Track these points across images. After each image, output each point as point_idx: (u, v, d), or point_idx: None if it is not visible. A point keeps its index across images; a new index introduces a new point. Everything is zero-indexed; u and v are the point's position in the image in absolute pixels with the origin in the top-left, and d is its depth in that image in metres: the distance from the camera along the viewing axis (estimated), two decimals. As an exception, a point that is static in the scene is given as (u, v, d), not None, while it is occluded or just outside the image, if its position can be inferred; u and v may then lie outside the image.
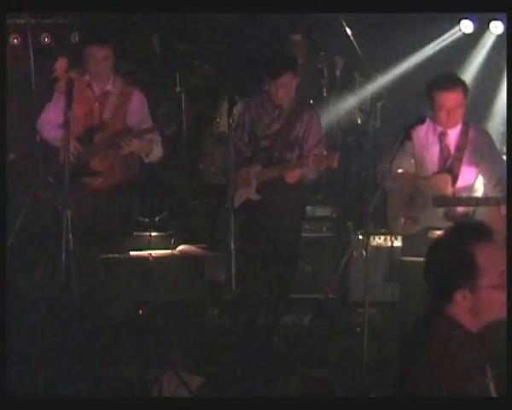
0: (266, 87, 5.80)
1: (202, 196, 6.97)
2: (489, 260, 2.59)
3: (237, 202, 5.60)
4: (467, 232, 2.66)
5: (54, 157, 5.74)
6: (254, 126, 5.86)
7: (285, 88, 5.68)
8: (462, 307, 2.61)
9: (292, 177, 5.63)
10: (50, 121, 5.79)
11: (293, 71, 5.72)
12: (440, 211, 5.31)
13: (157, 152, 5.79)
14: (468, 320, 2.64)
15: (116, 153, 5.64)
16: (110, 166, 5.73)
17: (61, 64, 5.98)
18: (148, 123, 5.82)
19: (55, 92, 5.79)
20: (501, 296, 2.59)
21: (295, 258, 5.93)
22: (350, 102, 7.77)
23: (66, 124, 5.13)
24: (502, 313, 2.62)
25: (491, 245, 2.63)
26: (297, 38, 8.00)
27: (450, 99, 5.27)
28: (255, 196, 5.74)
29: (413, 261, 5.16)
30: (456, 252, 2.62)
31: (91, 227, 5.57)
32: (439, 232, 5.18)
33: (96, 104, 5.71)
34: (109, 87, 5.75)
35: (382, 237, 6.20)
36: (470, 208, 5.35)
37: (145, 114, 5.87)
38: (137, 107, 5.82)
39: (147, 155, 5.72)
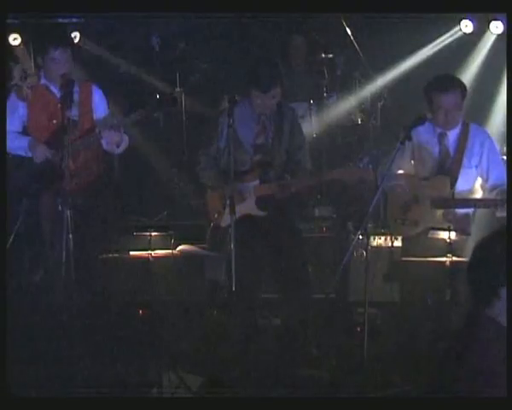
0: (251, 95, 5.53)
1: (202, 196, 6.97)
2: None
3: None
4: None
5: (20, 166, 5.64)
6: (239, 133, 5.54)
7: (272, 99, 5.52)
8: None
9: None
10: (10, 131, 5.59)
11: (281, 83, 5.56)
12: (440, 212, 5.31)
13: (125, 142, 5.75)
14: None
15: (89, 150, 5.61)
16: (84, 165, 5.68)
17: (17, 72, 5.94)
18: (110, 114, 5.82)
19: (12, 101, 5.65)
20: None
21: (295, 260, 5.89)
22: (350, 102, 7.79)
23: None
24: None
25: None
26: (297, 38, 8.03)
27: (448, 100, 5.24)
28: (256, 212, 5.55)
29: (413, 262, 5.17)
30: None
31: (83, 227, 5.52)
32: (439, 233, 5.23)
33: (59, 106, 5.59)
34: (69, 87, 5.51)
35: (382, 238, 6.21)
36: (470, 210, 5.35)
37: (107, 106, 5.86)
38: (100, 100, 5.80)
39: (118, 147, 5.67)
